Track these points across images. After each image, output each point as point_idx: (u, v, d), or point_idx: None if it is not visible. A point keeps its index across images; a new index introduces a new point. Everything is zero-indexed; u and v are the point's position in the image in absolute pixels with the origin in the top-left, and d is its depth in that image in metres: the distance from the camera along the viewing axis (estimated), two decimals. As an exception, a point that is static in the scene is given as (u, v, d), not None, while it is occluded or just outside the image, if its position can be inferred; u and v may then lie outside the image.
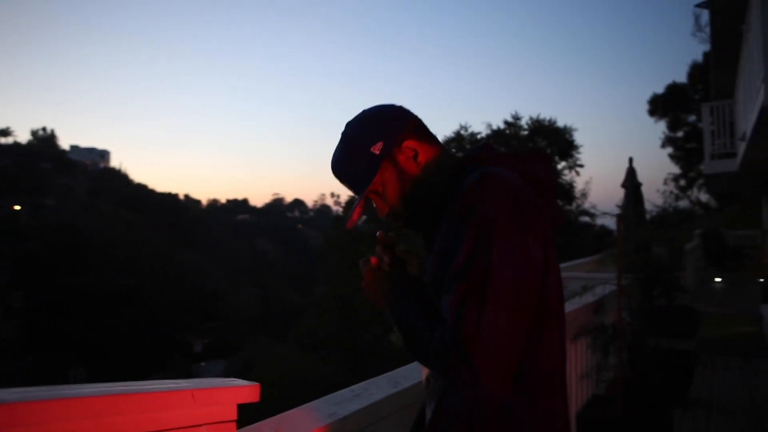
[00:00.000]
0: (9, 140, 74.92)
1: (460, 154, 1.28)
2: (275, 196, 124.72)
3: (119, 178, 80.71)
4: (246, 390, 1.24)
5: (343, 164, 1.23)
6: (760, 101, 5.56)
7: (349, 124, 1.26)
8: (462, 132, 13.29)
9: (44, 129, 76.07)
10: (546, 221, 1.11)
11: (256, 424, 1.43)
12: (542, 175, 1.19)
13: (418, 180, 1.21)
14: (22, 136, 78.67)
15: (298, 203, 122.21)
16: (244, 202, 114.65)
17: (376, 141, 1.19)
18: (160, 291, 49.72)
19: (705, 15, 11.03)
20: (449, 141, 12.91)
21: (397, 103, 1.29)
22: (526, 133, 13.77)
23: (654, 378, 4.20)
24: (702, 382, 5.87)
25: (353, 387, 1.80)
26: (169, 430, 1.11)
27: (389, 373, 1.96)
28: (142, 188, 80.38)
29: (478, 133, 13.35)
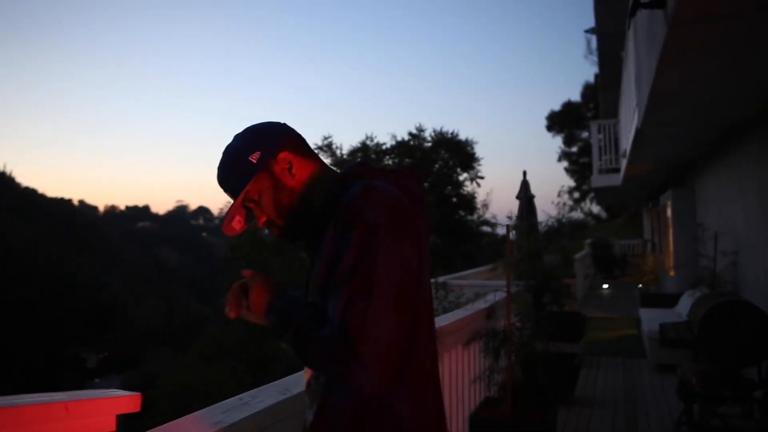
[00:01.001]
0: None
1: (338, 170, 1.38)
2: (179, 203, 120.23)
3: (4, 181, 74.57)
4: (125, 400, 1.24)
5: (223, 172, 1.32)
6: (635, 124, 6.09)
7: (234, 136, 1.35)
8: (368, 142, 13.52)
9: None
10: (420, 228, 1.22)
11: (138, 434, 1.42)
12: (414, 188, 1.31)
13: (289, 190, 1.30)
14: None
15: (203, 210, 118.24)
16: (145, 208, 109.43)
17: (254, 151, 1.28)
18: (49, 303, 46.30)
19: (596, 40, 11.88)
20: (355, 151, 13.10)
21: (286, 116, 1.40)
22: (429, 144, 14.18)
23: (542, 379, 4.47)
24: (586, 381, 6.30)
25: (241, 395, 1.81)
26: (42, 443, 1.09)
27: (279, 380, 1.99)
28: (30, 192, 74.73)
29: (383, 143, 13.67)
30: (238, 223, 1.34)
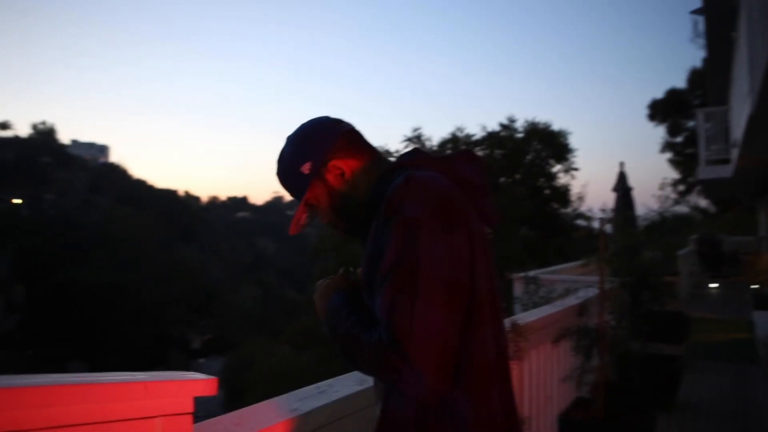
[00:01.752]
0: (9, 134, 75.22)
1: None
2: (275, 195, 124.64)
3: (118, 173, 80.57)
4: (202, 384, 1.26)
5: (280, 178, 1.35)
6: (748, 110, 5.59)
7: (287, 138, 1.35)
8: (458, 134, 13.33)
9: (44, 123, 76.37)
10: (471, 218, 1.14)
11: (217, 417, 1.46)
12: (470, 175, 1.23)
13: (344, 195, 1.28)
14: (23, 130, 78.53)
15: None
16: (244, 199, 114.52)
17: (305, 161, 1.28)
18: (159, 287, 49.76)
19: (703, 21, 11.05)
20: (445, 142, 12.97)
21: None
22: (521, 135, 13.80)
23: (637, 381, 4.23)
24: (690, 386, 5.89)
25: (319, 384, 1.83)
26: (122, 420, 1.13)
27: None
28: (141, 184, 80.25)
29: (473, 135, 13.42)
30: (300, 220, 1.38)
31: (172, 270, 53.50)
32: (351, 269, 1.38)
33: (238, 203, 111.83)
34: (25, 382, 1.03)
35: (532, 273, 6.28)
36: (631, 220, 6.35)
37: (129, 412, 1.14)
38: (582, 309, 4.25)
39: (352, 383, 1.84)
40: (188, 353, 48.67)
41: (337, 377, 1.93)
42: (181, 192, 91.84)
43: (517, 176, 13.63)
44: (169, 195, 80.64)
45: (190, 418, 1.29)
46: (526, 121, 13.90)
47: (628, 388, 4.10)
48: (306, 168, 1.28)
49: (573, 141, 15.23)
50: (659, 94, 36.39)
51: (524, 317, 3.31)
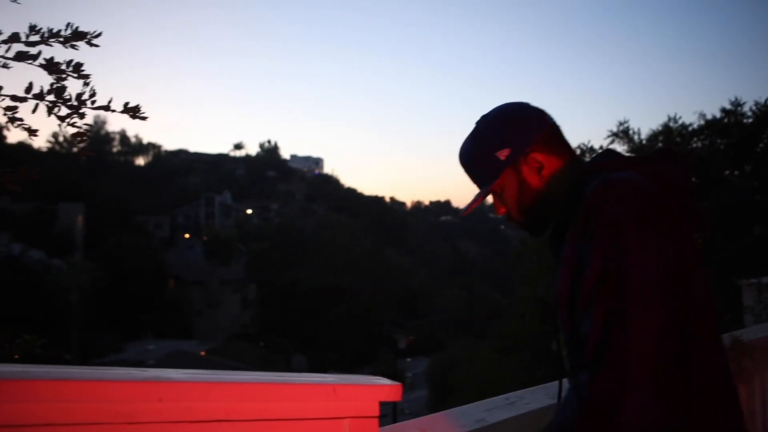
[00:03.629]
0: (242, 153, 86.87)
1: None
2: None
3: (331, 183, 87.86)
4: (387, 389, 1.30)
5: (468, 159, 1.27)
6: None
7: (483, 119, 1.26)
8: (671, 124, 11.95)
9: (269, 141, 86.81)
10: (679, 220, 1.03)
11: (402, 422, 1.50)
12: (673, 175, 1.10)
13: (539, 194, 1.20)
14: (252, 149, 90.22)
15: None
16: (447, 203, 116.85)
17: (504, 147, 1.19)
18: (369, 289, 53.13)
19: None
20: (656, 135, 11.73)
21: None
22: (750, 120, 11.96)
23: None
24: None
25: (508, 394, 1.78)
26: (314, 419, 1.22)
27: (549, 383, 1.90)
28: (351, 192, 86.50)
29: (690, 124, 11.91)
30: (473, 206, 1.30)
31: (381, 273, 56.77)
32: None
33: (441, 207, 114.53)
34: (233, 378, 1.16)
35: (766, 279, 5.44)
36: None
37: (319, 411, 1.23)
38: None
39: (543, 396, 1.76)
40: (396, 352, 51.04)
41: (529, 389, 1.86)
42: (387, 198, 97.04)
43: (747, 168, 11.88)
44: (377, 202, 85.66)
45: (375, 421, 1.34)
46: (756, 103, 12.02)
47: None
48: (503, 154, 1.19)
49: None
50: None
51: (753, 332, 2.87)
